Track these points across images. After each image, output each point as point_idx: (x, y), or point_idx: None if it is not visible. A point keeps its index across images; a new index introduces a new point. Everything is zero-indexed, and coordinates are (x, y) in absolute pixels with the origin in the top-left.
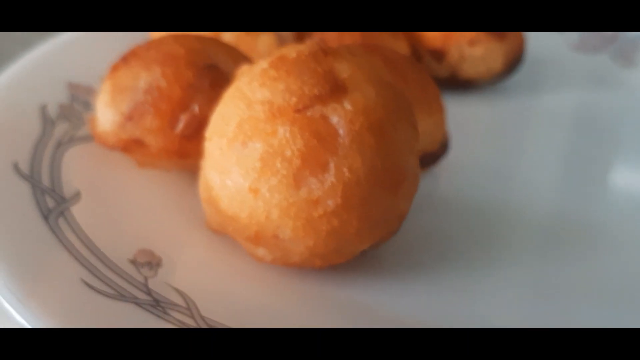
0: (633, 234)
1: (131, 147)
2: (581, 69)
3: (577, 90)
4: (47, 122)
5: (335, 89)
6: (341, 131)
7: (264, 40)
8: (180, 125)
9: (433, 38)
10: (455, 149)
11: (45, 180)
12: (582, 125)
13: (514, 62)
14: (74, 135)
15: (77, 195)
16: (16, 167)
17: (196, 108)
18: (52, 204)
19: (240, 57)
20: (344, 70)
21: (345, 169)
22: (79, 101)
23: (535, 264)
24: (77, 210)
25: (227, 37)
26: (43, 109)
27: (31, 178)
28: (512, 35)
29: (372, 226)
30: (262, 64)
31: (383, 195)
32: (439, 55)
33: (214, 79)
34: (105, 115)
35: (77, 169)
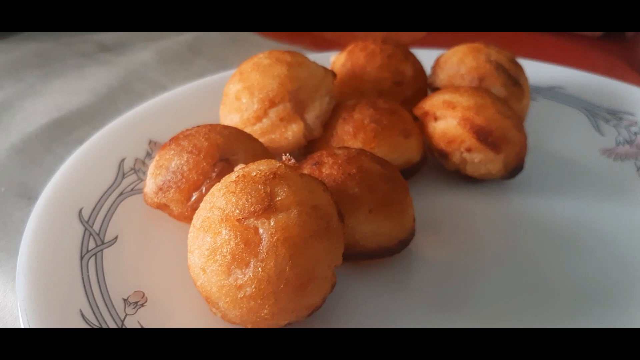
0: None
1: (161, 208)
2: (604, 173)
3: (593, 194)
4: (120, 173)
5: (268, 208)
6: (263, 241)
7: (292, 129)
8: (192, 200)
9: (438, 140)
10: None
11: (97, 224)
12: (576, 237)
13: (515, 169)
14: (136, 187)
15: (114, 239)
16: (80, 213)
17: (204, 189)
18: (92, 245)
19: (258, 151)
20: (281, 193)
21: (260, 269)
22: (150, 157)
23: None
24: (108, 252)
25: (264, 122)
26: (121, 162)
27: (86, 223)
28: (508, 147)
29: (281, 312)
30: (232, 176)
31: (289, 292)
32: (444, 155)
33: (222, 171)
34: (148, 182)
35: (125, 216)
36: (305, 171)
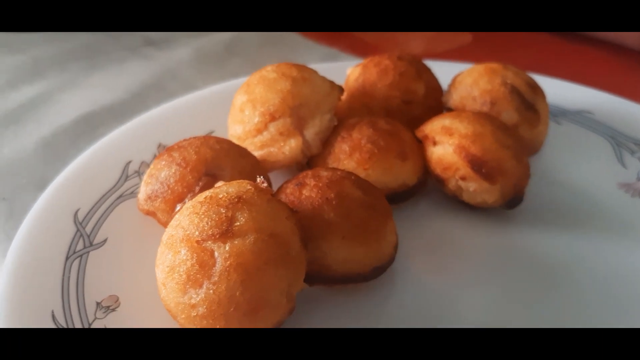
0: None
1: (151, 215)
2: (618, 209)
3: (601, 231)
4: (123, 176)
5: (226, 233)
6: (217, 264)
7: (290, 144)
8: (176, 210)
9: (435, 165)
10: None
11: (90, 226)
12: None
13: (512, 200)
14: (135, 191)
15: (103, 242)
16: (76, 214)
17: (187, 201)
18: (80, 246)
19: (247, 168)
20: (241, 218)
21: (211, 291)
22: None
23: None
24: (93, 255)
25: (264, 135)
26: (127, 165)
27: (80, 224)
28: (503, 179)
29: None
30: (200, 197)
31: (240, 316)
32: (440, 181)
33: (205, 185)
34: (141, 189)
35: (118, 219)
36: (288, 190)
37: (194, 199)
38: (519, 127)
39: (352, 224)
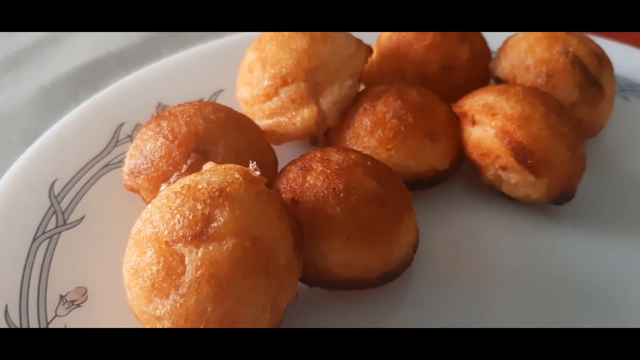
0: None
1: (135, 191)
2: None
3: None
4: (113, 140)
5: (199, 235)
6: (187, 273)
7: (303, 114)
8: (160, 190)
9: (472, 149)
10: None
11: (67, 201)
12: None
13: (561, 197)
14: (124, 158)
15: (79, 221)
16: (52, 186)
17: (172, 180)
18: (52, 225)
19: (243, 146)
20: (220, 218)
21: (178, 304)
22: None
23: None
24: (65, 236)
25: (274, 101)
26: (119, 127)
27: (55, 198)
28: (552, 172)
29: None
30: (176, 186)
31: None
32: (477, 167)
33: (194, 164)
34: (126, 161)
35: (101, 193)
36: (291, 175)
37: (170, 187)
38: (577, 107)
39: (358, 222)
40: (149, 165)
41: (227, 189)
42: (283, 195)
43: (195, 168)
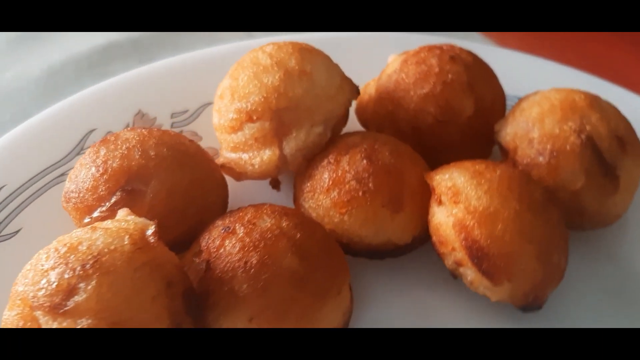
0: None
1: (70, 214)
2: None
3: None
4: (78, 148)
5: (57, 307)
6: None
7: (262, 156)
8: (84, 222)
9: (432, 231)
10: None
11: (7, 210)
12: None
13: (524, 307)
14: None
15: (13, 234)
16: None
17: (94, 215)
18: None
19: (179, 188)
20: (83, 293)
21: None
22: None
23: None
24: None
25: (239, 135)
26: (87, 134)
27: None
28: (512, 281)
29: None
30: (63, 241)
31: None
32: (437, 252)
33: (120, 201)
34: (66, 183)
35: (47, 205)
36: (214, 233)
37: (57, 241)
38: (581, 195)
39: (267, 303)
40: (77, 194)
41: (104, 258)
42: (200, 256)
43: (120, 205)
